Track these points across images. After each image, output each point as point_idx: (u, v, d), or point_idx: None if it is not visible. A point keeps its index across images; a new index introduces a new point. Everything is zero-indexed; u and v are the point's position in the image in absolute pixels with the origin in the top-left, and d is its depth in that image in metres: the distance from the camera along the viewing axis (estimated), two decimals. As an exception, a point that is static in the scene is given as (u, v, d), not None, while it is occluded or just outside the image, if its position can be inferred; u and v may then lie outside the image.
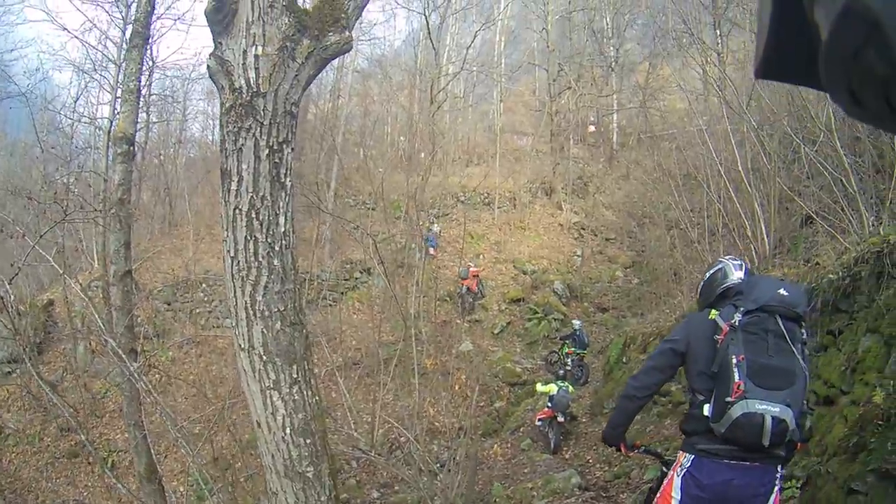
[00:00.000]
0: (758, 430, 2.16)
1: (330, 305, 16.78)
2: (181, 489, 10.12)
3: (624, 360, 10.42)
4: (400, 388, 10.65)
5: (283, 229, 2.68)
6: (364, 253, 15.33)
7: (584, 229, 21.08)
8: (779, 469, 2.35)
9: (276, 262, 2.67)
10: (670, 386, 7.26)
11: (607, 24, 26.68)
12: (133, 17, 6.51)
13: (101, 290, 10.41)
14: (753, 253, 8.17)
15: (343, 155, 20.67)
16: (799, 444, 2.44)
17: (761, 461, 2.28)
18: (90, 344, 13.87)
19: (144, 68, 17.54)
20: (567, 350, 12.70)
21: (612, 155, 24.96)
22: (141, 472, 5.71)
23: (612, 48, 26.25)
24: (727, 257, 2.74)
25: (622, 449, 2.73)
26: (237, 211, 2.61)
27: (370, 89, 26.44)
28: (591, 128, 27.25)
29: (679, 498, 2.38)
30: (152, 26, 8.90)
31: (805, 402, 2.28)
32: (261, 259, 2.64)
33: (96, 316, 5.86)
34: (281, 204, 2.66)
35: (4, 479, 11.46)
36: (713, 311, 2.43)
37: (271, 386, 2.77)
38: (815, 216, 7.14)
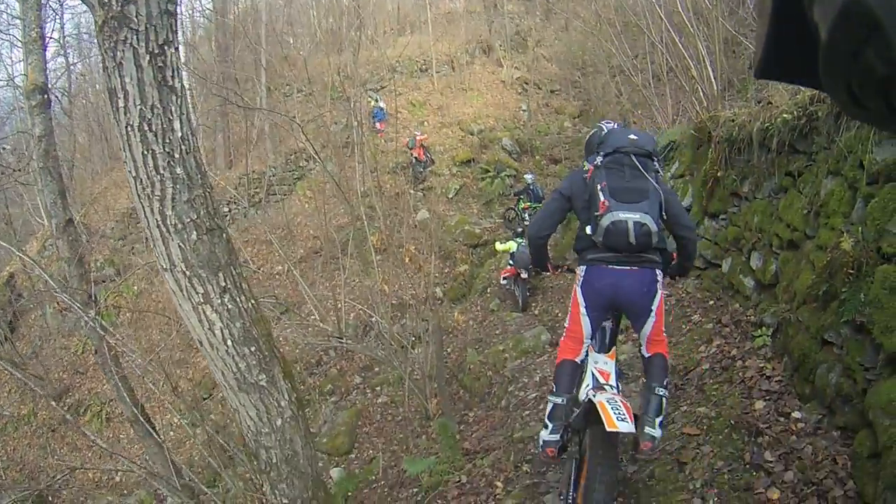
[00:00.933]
0: (624, 233, 2.74)
1: (281, 199, 16.34)
2: (175, 420, 10.20)
3: (581, 208, 10.45)
4: (361, 269, 10.59)
5: (179, 134, 2.51)
6: (299, 141, 14.71)
7: (527, 84, 20.60)
8: (658, 273, 2.89)
9: (178, 170, 2.52)
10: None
11: None
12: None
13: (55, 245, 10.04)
14: (701, 94, 7.94)
15: (269, 47, 19.70)
16: (674, 255, 3.09)
17: (639, 265, 2.84)
18: (58, 304, 13.78)
19: (52, 13, 15.88)
20: (523, 205, 12.68)
21: (548, 7, 24.03)
22: (129, 416, 5.67)
23: None
24: (603, 121, 3.33)
25: (549, 269, 3.34)
26: (129, 128, 2.44)
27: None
28: (525, -18, 25.75)
29: (584, 303, 2.95)
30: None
31: (663, 214, 2.84)
32: (162, 171, 2.49)
33: (44, 274, 5.76)
34: (173, 108, 2.48)
35: (14, 468, 11.46)
36: (585, 163, 3.05)
37: (202, 301, 2.68)
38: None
